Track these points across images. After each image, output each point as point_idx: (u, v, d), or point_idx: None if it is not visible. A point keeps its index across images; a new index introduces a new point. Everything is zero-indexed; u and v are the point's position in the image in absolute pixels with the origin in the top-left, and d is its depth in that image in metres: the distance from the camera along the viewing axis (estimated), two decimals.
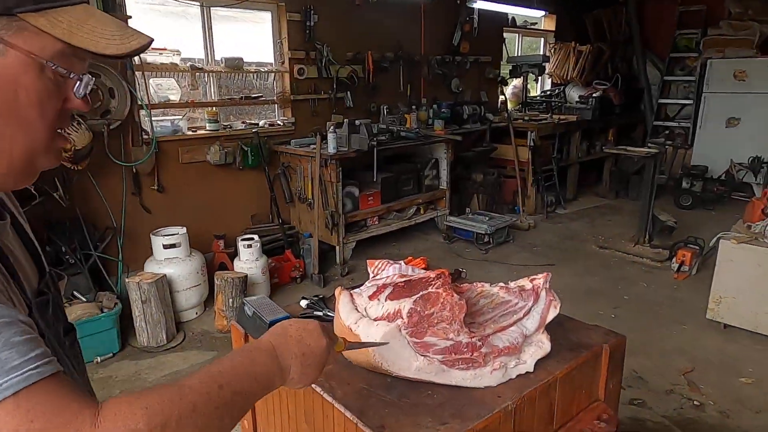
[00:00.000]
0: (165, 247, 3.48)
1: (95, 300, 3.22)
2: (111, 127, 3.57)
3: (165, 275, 3.34)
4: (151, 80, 3.96)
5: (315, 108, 4.86)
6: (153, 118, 3.86)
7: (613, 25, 7.74)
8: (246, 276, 3.52)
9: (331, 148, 4.15)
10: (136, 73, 3.75)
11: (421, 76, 5.72)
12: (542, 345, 1.18)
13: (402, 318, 1.09)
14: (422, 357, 1.09)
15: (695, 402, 2.66)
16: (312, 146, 4.32)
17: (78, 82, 0.66)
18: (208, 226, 4.17)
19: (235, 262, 3.80)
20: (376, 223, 4.79)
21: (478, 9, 5.98)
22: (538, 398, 1.13)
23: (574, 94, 7.32)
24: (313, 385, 1.14)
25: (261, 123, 4.61)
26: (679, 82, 7.48)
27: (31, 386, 0.54)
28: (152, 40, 0.69)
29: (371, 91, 5.24)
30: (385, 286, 1.20)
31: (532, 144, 5.85)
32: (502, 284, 1.26)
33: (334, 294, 1.45)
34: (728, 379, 2.86)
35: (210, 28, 4.29)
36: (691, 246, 4.34)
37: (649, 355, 3.06)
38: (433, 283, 1.16)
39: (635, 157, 4.95)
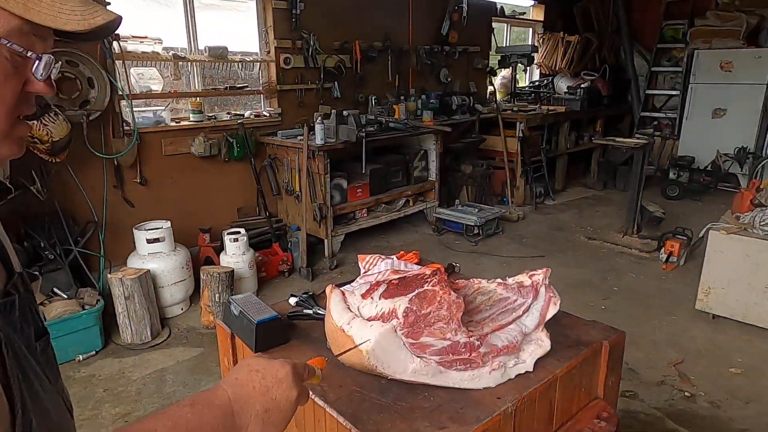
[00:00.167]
0: (148, 241, 3.39)
1: (76, 297, 3.12)
2: (90, 117, 3.45)
3: (149, 270, 3.25)
4: (132, 70, 3.84)
5: (302, 98, 4.77)
6: (134, 109, 3.74)
7: (601, 15, 7.71)
8: (233, 270, 3.45)
9: (318, 139, 4.07)
10: (117, 62, 3.62)
11: (409, 66, 5.65)
12: (542, 343, 1.14)
13: (397, 318, 1.04)
14: (418, 358, 1.04)
15: (686, 393, 2.66)
16: (299, 137, 4.24)
17: (37, 62, 0.59)
18: (193, 220, 4.07)
19: (222, 256, 3.72)
20: (365, 215, 4.73)
21: None
22: (538, 399, 1.09)
23: (562, 84, 7.30)
24: None
25: (246, 114, 4.51)
26: (666, 72, 7.50)
27: None
28: (120, 17, 0.63)
29: (359, 82, 5.16)
30: (378, 283, 1.15)
31: (521, 135, 5.83)
32: (499, 280, 1.22)
33: (324, 291, 1.39)
34: (718, 369, 2.87)
35: (193, 16, 4.16)
36: (679, 237, 4.36)
37: (639, 346, 3.06)
38: (429, 280, 1.11)
39: (623, 148, 4.95)
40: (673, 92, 7.28)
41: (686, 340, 3.17)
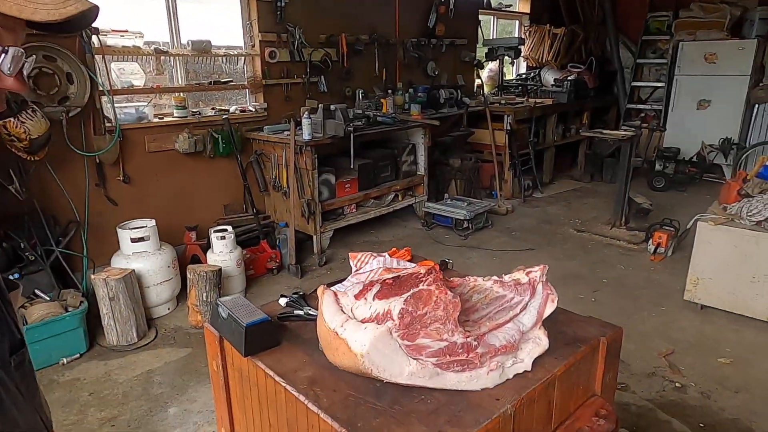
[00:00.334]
0: (133, 240, 3.32)
1: (59, 298, 3.04)
2: (70, 114, 3.36)
3: (133, 270, 3.18)
4: (112, 64, 3.74)
5: (288, 93, 4.70)
6: (116, 105, 3.65)
7: (586, 7, 7.72)
8: (220, 269, 3.38)
9: (305, 134, 4.01)
10: (96, 56, 3.52)
11: (396, 59, 5.60)
12: (540, 342, 1.12)
13: (392, 319, 1.00)
14: (415, 361, 1.01)
15: (677, 384, 2.67)
16: (286, 133, 4.18)
17: (3, 55, 0.54)
18: (178, 218, 4.00)
19: (208, 254, 3.66)
20: (354, 210, 4.69)
21: None
22: (537, 399, 1.07)
23: (549, 77, 7.30)
24: (296, 393, 1.05)
25: (232, 109, 4.43)
26: (651, 64, 7.53)
27: None
28: (96, 7, 0.58)
29: (346, 75, 5.10)
30: (372, 283, 1.11)
31: (508, 128, 5.82)
32: (495, 278, 1.19)
33: (315, 291, 1.36)
34: (707, 359, 2.89)
35: (175, 9, 4.06)
36: (667, 228, 4.38)
37: (630, 338, 3.07)
38: (424, 279, 1.08)
39: (611, 140, 4.96)
40: (659, 84, 7.32)
41: (675, 331, 3.19)
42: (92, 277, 3.08)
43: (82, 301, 3.04)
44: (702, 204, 4.91)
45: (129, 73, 3.85)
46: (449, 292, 1.04)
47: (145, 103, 3.96)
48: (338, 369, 1.09)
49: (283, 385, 1.09)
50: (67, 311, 2.94)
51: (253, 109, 4.51)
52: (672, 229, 4.37)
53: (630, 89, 7.58)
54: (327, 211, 4.39)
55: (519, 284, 1.15)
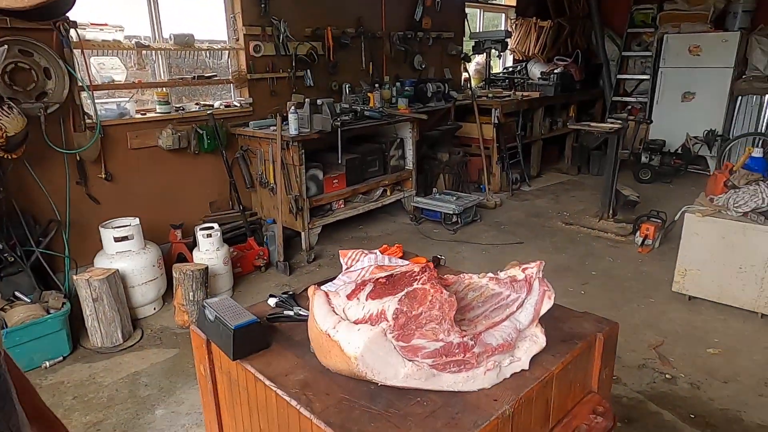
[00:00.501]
0: (116, 239, 3.24)
1: (40, 300, 2.96)
2: (48, 111, 3.26)
3: (117, 270, 3.11)
4: (92, 59, 3.64)
5: (274, 87, 4.62)
6: (96, 101, 3.55)
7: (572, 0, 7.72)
8: (206, 267, 3.32)
9: (292, 129, 3.95)
10: (75, 51, 3.43)
11: (383, 52, 5.54)
12: (537, 339, 1.09)
13: (387, 320, 0.97)
14: (410, 362, 0.98)
15: (667, 375, 2.68)
16: (272, 128, 4.11)
17: None
18: (163, 216, 3.92)
19: (195, 252, 3.59)
20: (342, 206, 4.64)
21: None
22: (535, 398, 1.04)
23: (536, 70, 7.30)
24: (287, 398, 1.02)
25: (216, 104, 4.35)
26: (636, 57, 7.57)
27: None
28: None
29: (332, 69, 5.03)
30: (364, 282, 1.08)
31: (496, 121, 5.80)
32: (491, 275, 1.16)
33: (306, 291, 1.32)
34: (696, 350, 2.90)
35: (156, 2, 3.97)
36: (654, 220, 4.41)
37: (620, 330, 3.07)
38: (419, 277, 1.05)
39: (598, 133, 4.97)
40: (644, 77, 7.36)
41: (665, 323, 3.21)
42: (74, 277, 3.00)
43: (64, 303, 2.96)
44: (687, 195, 4.96)
45: (109, 67, 3.75)
46: (444, 291, 1.01)
47: (127, 99, 3.87)
48: (331, 371, 1.05)
49: (274, 389, 1.05)
50: (48, 313, 2.86)
51: (238, 104, 4.43)
52: (659, 220, 4.39)
53: (615, 82, 7.62)
54: (315, 207, 4.34)
55: (515, 281, 1.13)
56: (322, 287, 1.26)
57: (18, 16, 0.52)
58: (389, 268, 1.22)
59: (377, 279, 1.07)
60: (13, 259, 3.02)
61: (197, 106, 4.23)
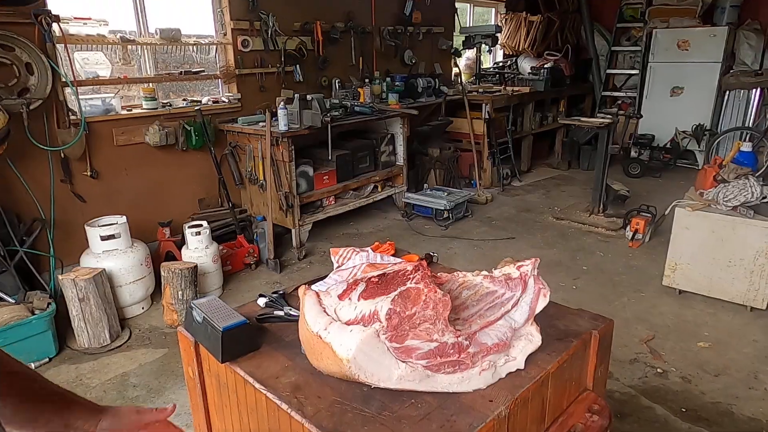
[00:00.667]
0: (103, 238, 3.18)
1: (25, 301, 2.90)
2: (31, 107, 3.19)
3: (104, 269, 3.05)
4: (75, 54, 3.57)
5: (262, 83, 4.57)
6: (81, 97, 3.49)
7: None
8: (195, 266, 3.27)
9: (281, 125, 3.90)
10: (58, 45, 3.35)
11: (373, 47, 5.50)
12: (532, 338, 1.07)
13: (380, 321, 0.95)
14: (404, 364, 0.95)
15: (658, 369, 2.69)
16: (261, 124, 4.06)
17: None
18: (151, 214, 3.86)
19: (183, 250, 3.54)
20: (333, 203, 4.61)
21: None
22: (531, 398, 1.03)
23: (526, 65, 7.29)
24: (278, 401, 0.99)
25: (204, 100, 4.28)
26: (625, 52, 7.59)
27: None
28: None
29: (322, 64, 4.98)
30: (356, 282, 1.05)
31: (487, 117, 5.79)
32: (485, 273, 1.14)
33: (296, 290, 1.29)
34: (687, 344, 2.92)
35: None
36: (644, 214, 4.42)
37: None
38: (412, 276, 1.02)
39: (588, 128, 4.98)
40: (633, 71, 7.38)
41: (655, 317, 3.22)
42: (60, 277, 2.94)
43: (49, 303, 2.90)
44: (676, 190, 4.99)
45: (94, 63, 3.68)
46: (438, 290, 0.98)
47: (112, 95, 3.79)
48: (322, 374, 1.03)
49: (264, 392, 1.02)
50: (33, 314, 2.80)
51: (227, 100, 4.37)
52: (649, 215, 4.41)
53: (605, 77, 7.63)
54: (305, 204, 4.30)
55: (510, 279, 1.11)
56: (313, 287, 1.24)
57: None
58: (381, 266, 1.19)
59: (369, 278, 1.04)
60: None
61: (185, 102, 4.17)
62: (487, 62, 7.78)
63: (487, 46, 6.24)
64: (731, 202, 3.15)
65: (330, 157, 4.37)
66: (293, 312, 1.32)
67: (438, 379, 0.98)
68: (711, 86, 6.42)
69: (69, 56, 3.42)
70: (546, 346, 1.11)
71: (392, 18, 5.64)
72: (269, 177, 4.02)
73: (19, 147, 3.19)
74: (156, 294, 3.47)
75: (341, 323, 0.98)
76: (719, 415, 2.35)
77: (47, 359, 2.84)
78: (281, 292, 1.46)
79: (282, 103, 4.01)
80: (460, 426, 0.91)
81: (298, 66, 4.75)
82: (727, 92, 6.41)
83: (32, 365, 2.77)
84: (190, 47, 4.23)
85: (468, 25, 7.04)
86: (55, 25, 3.28)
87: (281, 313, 1.33)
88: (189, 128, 3.99)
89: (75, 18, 3.52)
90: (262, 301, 1.40)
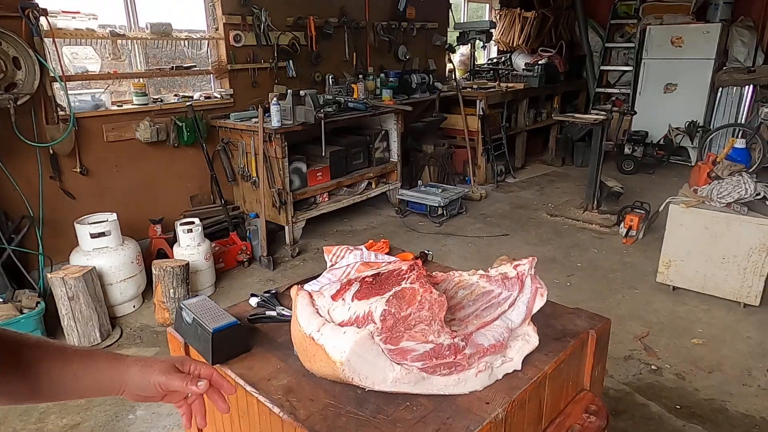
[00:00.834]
0: (92, 236, 3.13)
1: (13, 300, 2.85)
2: (18, 102, 3.13)
3: (94, 267, 3.01)
4: (64, 48, 3.51)
5: (255, 78, 4.52)
6: (70, 92, 3.43)
7: None
8: (187, 263, 3.24)
9: (274, 121, 3.86)
10: (46, 40, 3.29)
11: (366, 43, 5.46)
12: (529, 339, 1.06)
13: (374, 322, 0.92)
14: (399, 366, 0.93)
15: (653, 366, 2.69)
16: (254, 120, 4.02)
17: None
18: (142, 211, 3.82)
19: (175, 248, 3.50)
20: (326, 199, 4.58)
21: None
22: (528, 400, 1.01)
23: (520, 61, 7.28)
24: (270, 404, 0.97)
25: (196, 96, 4.23)
26: (619, 48, 7.58)
27: None
28: None
29: (315, 60, 4.94)
30: (350, 282, 1.02)
31: (481, 113, 5.77)
32: (481, 272, 1.12)
33: (289, 290, 1.26)
34: (681, 340, 2.92)
35: None
36: (638, 211, 4.43)
37: None
38: (407, 276, 1.00)
39: (581, 125, 4.97)
40: (627, 68, 7.39)
41: (649, 313, 3.22)
42: (49, 275, 2.90)
43: (38, 302, 2.86)
44: (670, 186, 5.00)
45: (83, 57, 3.62)
46: (434, 290, 0.96)
47: (102, 90, 3.74)
48: (315, 376, 1.00)
49: (256, 395, 1.00)
50: (22, 313, 2.76)
51: (219, 96, 4.32)
52: (642, 211, 4.41)
53: (599, 73, 7.63)
54: (299, 201, 4.27)
55: (506, 278, 1.09)
56: (306, 286, 1.21)
57: None
58: (375, 265, 1.17)
59: (363, 278, 1.02)
60: None
61: (176, 98, 4.12)
62: (482, 58, 7.76)
63: (482, 42, 6.21)
64: (725, 198, 3.15)
65: (323, 154, 4.34)
66: (286, 312, 1.29)
67: (434, 381, 0.96)
68: (704, 83, 6.43)
69: (57, 51, 3.36)
70: (543, 346, 1.09)
71: (386, 13, 5.60)
72: (262, 173, 3.98)
73: (6, 143, 3.13)
74: (147, 292, 3.43)
75: (334, 324, 0.95)
76: (713, 412, 2.35)
77: None
78: (273, 291, 1.43)
79: (275, 98, 3.96)
80: (456, 429, 0.89)
81: (291, 61, 4.71)
82: (720, 89, 6.43)
83: None
84: (182, 42, 4.18)
85: (462, 21, 7.01)
86: (42, 19, 3.22)
87: (273, 313, 1.31)
88: (180, 124, 3.94)
89: (63, 12, 3.45)
90: (254, 301, 1.37)
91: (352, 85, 4.95)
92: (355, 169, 4.77)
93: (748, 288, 3.15)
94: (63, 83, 3.34)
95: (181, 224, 3.48)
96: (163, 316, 3.14)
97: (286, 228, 4.15)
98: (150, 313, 3.28)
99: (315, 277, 1.45)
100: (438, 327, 0.94)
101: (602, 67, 7.62)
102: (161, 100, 3.99)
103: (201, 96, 4.24)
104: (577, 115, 5.04)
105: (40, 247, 3.32)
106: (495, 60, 7.60)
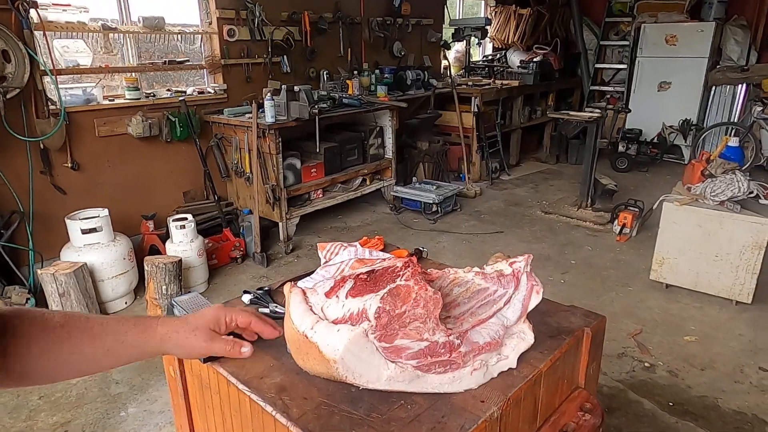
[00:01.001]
0: (84, 231, 3.10)
1: (2, 296, 2.82)
2: (8, 96, 3.10)
3: (85, 264, 2.98)
4: (55, 42, 3.46)
5: (249, 73, 4.49)
6: (60, 86, 3.39)
7: None
8: (180, 260, 3.21)
9: (268, 117, 3.83)
10: (36, 33, 3.25)
11: (361, 39, 5.43)
12: (525, 336, 1.04)
13: (368, 320, 0.91)
14: (393, 364, 0.92)
15: (646, 363, 2.70)
16: (247, 115, 3.99)
17: None
18: (134, 207, 3.78)
19: (168, 244, 3.47)
20: (321, 196, 4.56)
21: None
22: (523, 398, 1.00)
23: (515, 58, 7.27)
24: (262, 403, 0.95)
25: (189, 91, 4.20)
26: (614, 46, 7.60)
27: None
28: None
29: (309, 55, 4.91)
30: (344, 279, 1.01)
31: (476, 110, 5.76)
32: (477, 269, 1.11)
33: (282, 287, 1.25)
34: (674, 338, 2.93)
35: None
36: (631, 208, 4.44)
37: None
38: (402, 273, 0.99)
39: (576, 122, 4.98)
40: (621, 66, 7.41)
41: (643, 311, 3.23)
42: (39, 271, 2.87)
43: (28, 298, 2.83)
44: (663, 184, 5.02)
45: (74, 51, 3.58)
46: (429, 288, 0.95)
47: (94, 85, 3.70)
48: (308, 374, 0.99)
49: (248, 393, 0.98)
50: None
51: (212, 91, 4.29)
52: (636, 209, 4.43)
53: (594, 71, 7.64)
54: (292, 197, 4.25)
55: (502, 276, 1.07)
56: (299, 283, 1.20)
57: None
58: (370, 261, 1.16)
59: (358, 275, 1.00)
60: None
61: (169, 93, 4.08)
62: (477, 55, 7.75)
63: (477, 39, 6.21)
64: (719, 197, 3.17)
65: (318, 150, 4.32)
66: (279, 309, 1.27)
67: (428, 379, 0.94)
68: (698, 81, 6.46)
69: (48, 44, 3.32)
70: (538, 344, 1.08)
71: (381, 9, 5.57)
72: (256, 169, 3.96)
73: None
74: (139, 289, 3.40)
75: (328, 322, 0.94)
76: (706, 409, 2.36)
77: None
78: (266, 288, 1.41)
79: (269, 94, 3.94)
80: (451, 428, 0.88)
81: (285, 57, 4.68)
82: (714, 87, 6.46)
83: None
84: (175, 36, 4.14)
85: (458, 18, 7.00)
86: (33, 11, 3.18)
87: (266, 310, 1.29)
88: (173, 119, 3.90)
89: (54, 4, 3.41)
90: (246, 298, 1.35)
91: (347, 81, 4.93)
92: (349, 166, 4.75)
93: (740, 286, 3.16)
94: (54, 77, 3.30)
95: (173, 220, 3.46)
96: (156, 313, 3.11)
97: (280, 224, 4.13)
98: (142, 310, 3.26)
99: (309, 274, 1.43)
100: (433, 325, 0.93)
101: (597, 65, 7.64)
102: (154, 95, 3.96)
103: (194, 91, 4.20)
104: (571, 113, 5.04)
105: (31, 242, 3.29)
106: (490, 57, 7.59)
